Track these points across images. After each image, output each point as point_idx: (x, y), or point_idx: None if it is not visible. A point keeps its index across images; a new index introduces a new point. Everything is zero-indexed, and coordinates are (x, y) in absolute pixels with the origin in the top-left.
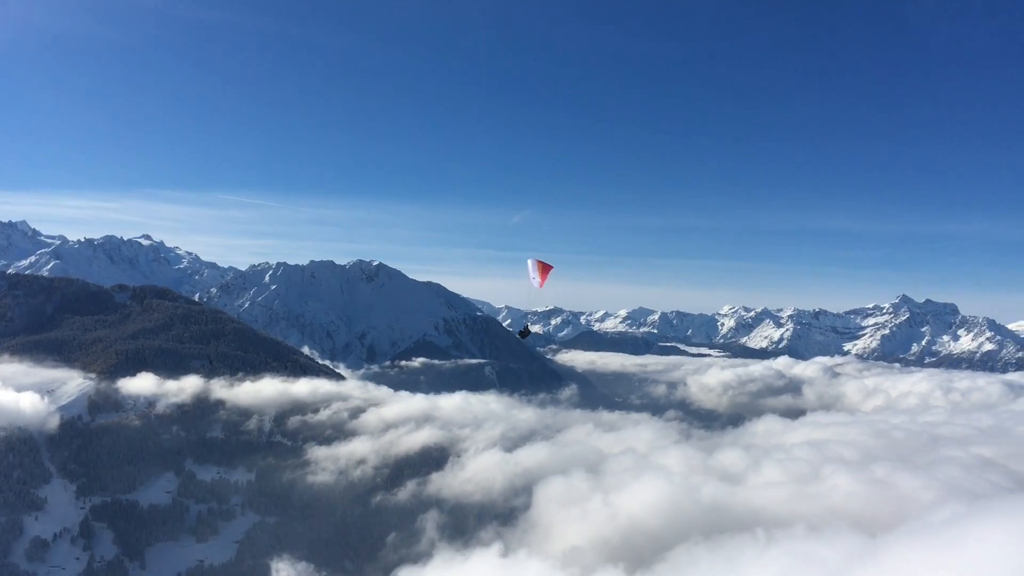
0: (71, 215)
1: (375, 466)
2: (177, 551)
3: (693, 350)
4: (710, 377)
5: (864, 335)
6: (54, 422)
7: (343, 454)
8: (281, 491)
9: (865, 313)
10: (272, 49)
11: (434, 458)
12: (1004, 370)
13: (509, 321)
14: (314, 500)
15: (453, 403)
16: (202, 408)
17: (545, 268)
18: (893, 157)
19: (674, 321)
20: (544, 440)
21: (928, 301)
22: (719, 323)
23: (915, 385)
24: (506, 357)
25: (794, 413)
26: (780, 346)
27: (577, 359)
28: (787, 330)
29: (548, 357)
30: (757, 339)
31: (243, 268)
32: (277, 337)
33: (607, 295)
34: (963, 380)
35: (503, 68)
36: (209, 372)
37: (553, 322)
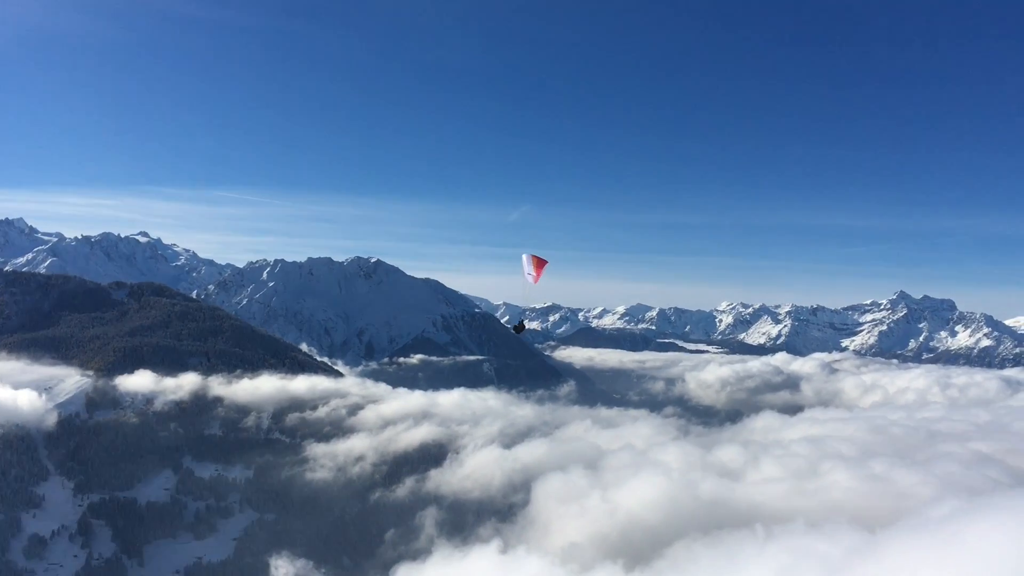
0: (68, 212)
1: (373, 463)
2: (175, 548)
3: (691, 346)
4: (708, 373)
5: (862, 331)
6: (52, 419)
7: (341, 451)
8: (279, 488)
9: (863, 309)
10: (270, 46)
11: (432, 455)
12: (1001, 366)
13: (507, 318)
14: (312, 497)
15: (451, 400)
16: (200, 405)
17: (540, 263)
18: (891, 153)
19: (672, 317)
20: (542, 436)
21: (926, 297)
22: (717, 319)
23: (913, 381)
24: (504, 354)
25: (792, 409)
26: (778, 342)
27: (575, 355)
28: (785, 326)
29: (546, 353)
30: (755, 335)
31: (241, 265)
32: (275, 334)
33: (605, 291)
34: (961, 376)
35: (501, 65)
36: (207, 369)
37: (551, 318)
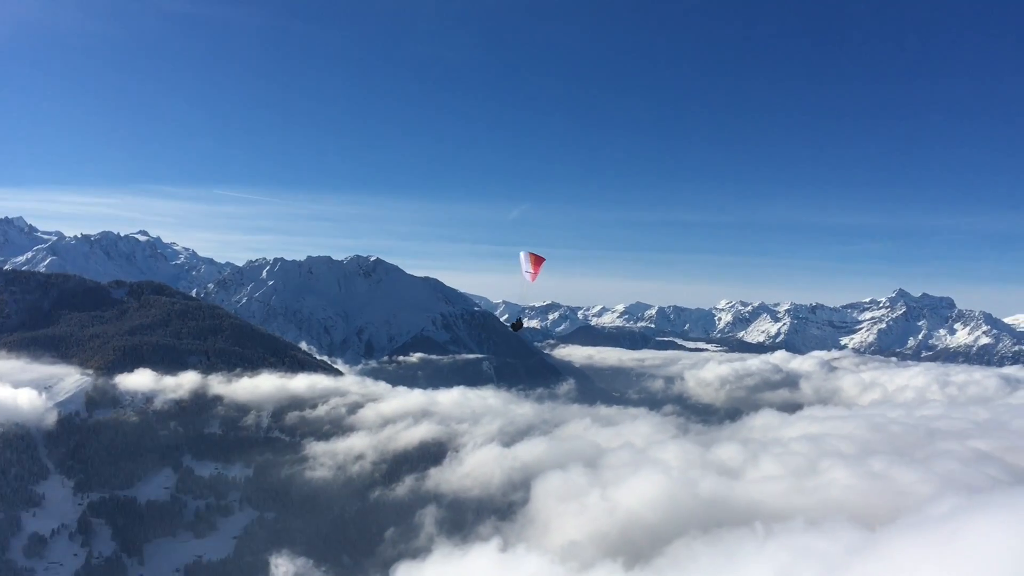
0: (68, 211)
1: (373, 461)
2: (175, 547)
3: (690, 344)
4: (707, 372)
5: (861, 329)
6: (52, 418)
7: (341, 449)
8: (279, 487)
9: (862, 307)
10: (270, 45)
11: (432, 453)
12: (1000, 364)
13: (507, 316)
14: (312, 496)
15: (451, 398)
16: (200, 404)
17: (538, 260)
18: (890, 151)
19: (671, 316)
20: (542, 435)
21: (924, 295)
22: (716, 318)
23: (912, 379)
24: (504, 352)
25: (791, 407)
26: (777, 340)
27: (575, 354)
28: (784, 324)
29: (546, 352)
30: (754, 333)
31: (240, 264)
32: (275, 333)
33: (604, 290)
34: (960, 374)
35: (500, 64)
36: (207, 368)
37: (551, 317)
